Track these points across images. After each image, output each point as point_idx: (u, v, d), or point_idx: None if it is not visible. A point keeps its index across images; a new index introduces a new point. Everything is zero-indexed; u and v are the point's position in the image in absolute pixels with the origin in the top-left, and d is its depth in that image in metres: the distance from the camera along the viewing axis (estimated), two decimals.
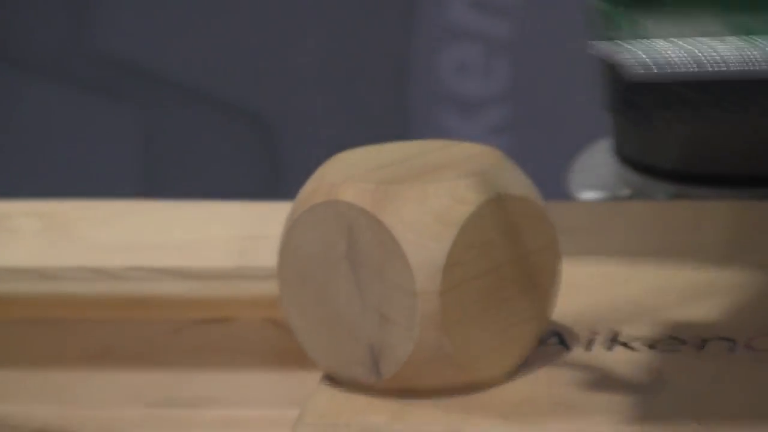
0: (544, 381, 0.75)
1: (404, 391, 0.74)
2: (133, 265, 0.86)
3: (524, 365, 0.75)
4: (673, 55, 0.68)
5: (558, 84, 1.76)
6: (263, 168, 0.76)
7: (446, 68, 1.80)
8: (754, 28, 0.68)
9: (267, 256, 0.79)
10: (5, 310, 0.88)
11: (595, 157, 0.98)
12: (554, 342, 0.77)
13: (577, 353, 0.77)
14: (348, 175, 0.74)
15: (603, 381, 0.76)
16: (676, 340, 0.77)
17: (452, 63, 1.81)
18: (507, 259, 0.74)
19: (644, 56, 0.68)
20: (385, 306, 0.73)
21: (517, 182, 0.75)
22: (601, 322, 0.78)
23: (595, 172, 0.97)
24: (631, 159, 0.96)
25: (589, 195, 0.95)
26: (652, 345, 0.77)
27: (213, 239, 0.88)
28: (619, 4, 0.69)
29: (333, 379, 0.75)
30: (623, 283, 0.81)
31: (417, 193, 0.72)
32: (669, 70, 0.69)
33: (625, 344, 0.77)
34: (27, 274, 0.86)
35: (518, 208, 0.74)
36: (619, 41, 0.69)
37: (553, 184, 0.92)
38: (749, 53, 0.68)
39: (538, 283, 0.75)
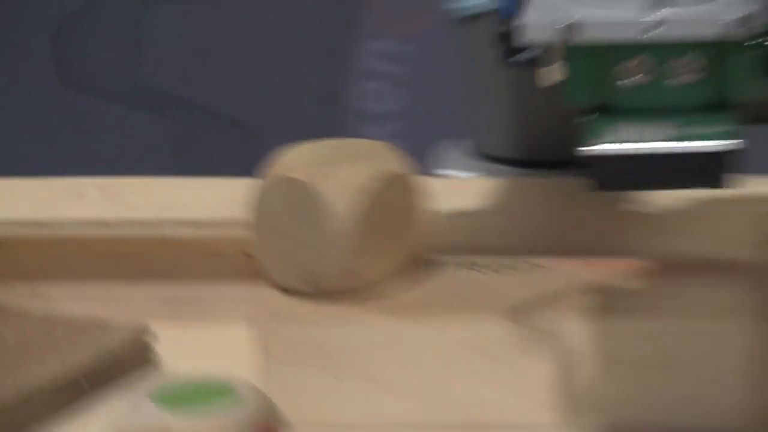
0: (420, 286, 0.92)
1: (328, 294, 0.91)
2: (161, 218, 1.00)
3: (410, 280, 0.92)
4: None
5: (433, 105, 1.94)
6: (247, 156, 0.90)
7: (363, 96, 1.97)
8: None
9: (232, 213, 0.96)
10: (78, 248, 1.01)
11: (451, 150, 1.08)
12: (429, 264, 0.93)
13: (448, 271, 0.94)
14: (297, 160, 0.92)
15: (457, 288, 0.92)
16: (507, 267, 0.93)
17: (368, 92, 1.97)
18: (393, 210, 0.92)
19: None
20: (317, 242, 0.91)
21: (402, 165, 0.93)
22: (462, 254, 0.95)
23: (451, 156, 1.08)
24: (478, 151, 1.07)
25: (452, 172, 1.06)
26: (495, 270, 0.93)
27: (213, 202, 1.02)
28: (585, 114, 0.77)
29: (284, 288, 0.93)
30: (476, 227, 0.97)
31: (340, 172, 0.91)
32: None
33: (473, 267, 0.94)
34: (93, 224, 1.01)
35: (402, 180, 0.93)
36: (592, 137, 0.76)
37: (426, 168, 1.05)
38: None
39: (411, 224, 0.93)
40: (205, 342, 0.97)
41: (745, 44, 0.74)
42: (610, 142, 0.76)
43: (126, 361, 0.95)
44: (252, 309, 0.94)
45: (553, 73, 0.77)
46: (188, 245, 1.02)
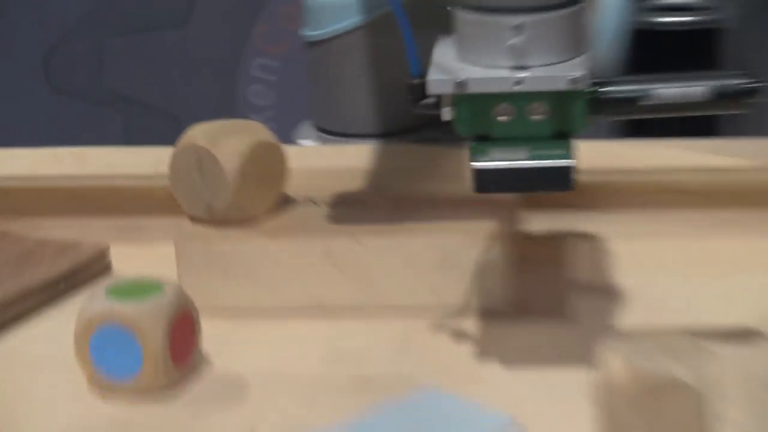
0: (283, 216, 0.91)
1: (221, 222, 0.90)
2: (114, 173, 1.01)
3: (276, 212, 0.91)
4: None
5: (293, 100, 1.92)
6: (173, 133, 0.88)
7: (249, 94, 1.98)
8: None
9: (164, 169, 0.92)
10: (59, 194, 1.00)
11: (305, 127, 1.07)
12: (289, 202, 0.92)
13: (301, 206, 0.92)
14: (200, 132, 0.91)
15: (306, 217, 0.90)
16: (338, 202, 0.91)
17: (252, 92, 1.98)
18: (266, 167, 0.91)
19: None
20: (213, 184, 0.89)
21: (272, 137, 0.92)
22: (311, 191, 0.93)
23: (304, 131, 1.07)
24: (318, 126, 1.06)
25: (305, 142, 1.06)
26: (326, 202, 0.92)
27: (148, 162, 1.01)
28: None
29: (192, 217, 0.91)
30: (316, 177, 0.96)
31: (227, 141, 0.90)
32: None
33: (316, 203, 0.92)
34: (69, 178, 1.01)
35: (270, 148, 0.92)
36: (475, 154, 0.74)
37: (287, 139, 1.02)
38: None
39: (278, 176, 0.92)
40: (144, 256, 0.98)
41: (579, 93, 0.74)
42: (487, 161, 0.75)
43: (91, 269, 0.96)
44: (173, 232, 0.92)
45: (448, 113, 0.76)
46: (132, 191, 1.01)
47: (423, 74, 0.76)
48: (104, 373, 0.81)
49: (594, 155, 0.96)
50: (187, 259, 0.90)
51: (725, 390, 0.67)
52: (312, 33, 1.04)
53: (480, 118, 0.75)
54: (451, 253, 0.88)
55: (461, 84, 0.74)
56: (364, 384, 0.81)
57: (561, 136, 0.75)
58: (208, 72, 2.02)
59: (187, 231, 0.91)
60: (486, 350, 0.84)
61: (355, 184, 0.95)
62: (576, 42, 0.75)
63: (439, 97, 0.76)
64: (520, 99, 0.74)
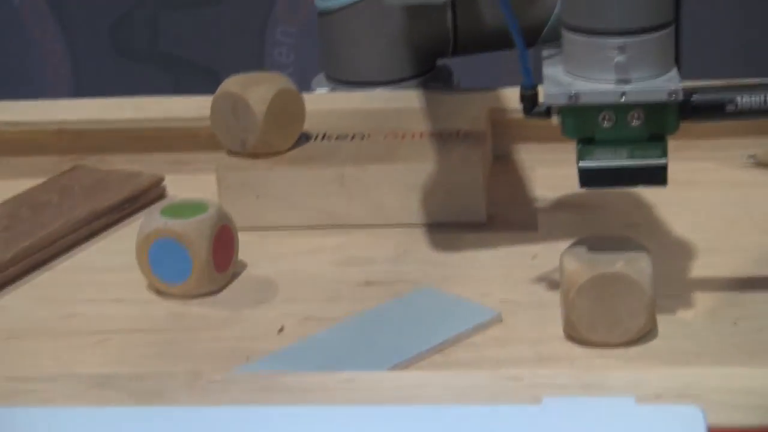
0: (302, 149, 0.89)
1: (253, 155, 0.88)
2: (167, 117, 0.98)
3: (296, 146, 0.89)
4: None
5: (309, 59, 1.98)
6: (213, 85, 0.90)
7: (274, 54, 2.02)
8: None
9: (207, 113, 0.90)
10: (123, 135, 0.97)
11: (320, 77, 1.03)
12: (307, 138, 0.90)
13: (317, 141, 0.90)
14: (234, 82, 0.89)
15: (321, 149, 0.89)
16: (347, 137, 0.90)
17: (276, 53, 2.02)
18: (287, 110, 0.88)
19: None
20: (245, 124, 0.87)
21: (290, 84, 0.90)
22: (325, 129, 0.91)
23: (319, 81, 1.03)
24: (330, 76, 1.01)
25: (319, 90, 1.02)
26: (338, 138, 0.90)
27: (194, 107, 0.98)
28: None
29: (229, 151, 0.89)
30: (330, 117, 0.93)
31: (256, 88, 0.88)
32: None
33: (329, 138, 0.91)
34: (130, 121, 0.97)
35: (291, 94, 0.89)
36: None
37: (306, 88, 1.00)
38: None
39: (298, 117, 0.90)
40: (191, 183, 0.95)
41: (673, 102, 0.69)
42: (592, 161, 0.70)
43: (150, 195, 0.94)
44: (215, 164, 0.90)
45: (556, 120, 0.71)
46: (181, 130, 0.98)
47: (534, 86, 0.72)
48: (160, 278, 0.79)
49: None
50: (226, 184, 0.88)
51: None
52: (323, 4, 1.01)
53: (585, 124, 0.70)
54: (437, 176, 0.85)
55: (574, 97, 0.69)
56: (370, 284, 0.80)
57: (656, 139, 0.71)
58: (242, 38, 2.04)
59: (226, 162, 0.89)
60: (469, 255, 0.82)
61: (361, 122, 0.93)
62: (669, 57, 0.71)
63: (549, 106, 0.71)
64: (621, 108, 0.70)
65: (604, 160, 0.70)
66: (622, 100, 0.69)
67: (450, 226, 0.85)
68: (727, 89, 0.71)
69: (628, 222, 0.85)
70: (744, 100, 0.70)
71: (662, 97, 0.69)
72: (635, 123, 0.70)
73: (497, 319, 0.73)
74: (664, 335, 0.71)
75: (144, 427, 0.56)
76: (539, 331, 0.72)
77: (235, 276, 0.81)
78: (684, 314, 0.73)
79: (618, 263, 0.70)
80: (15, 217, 0.88)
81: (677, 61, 0.71)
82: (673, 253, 0.80)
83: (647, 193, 0.88)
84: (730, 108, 0.71)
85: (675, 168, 0.90)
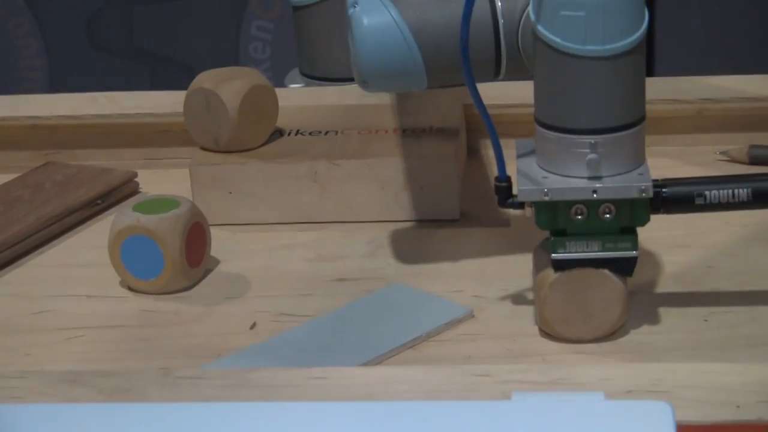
0: (274, 144, 0.88)
1: (226, 151, 0.87)
2: (140, 112, 0.97)
3: (269, 141, 0.89)
4: None
5: (284, 54, 1.98)
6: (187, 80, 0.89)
7: (249, 49, 2.02)
8: None
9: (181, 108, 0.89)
10: (96, 130, 0.97)
11: (294, 72, 1.03)
12: (279, 133, 0.90)
13: (290, 137, 0.90)
14: (207, 77, 0.89)
15: (293, 144, 0.88)
16: (320, 133, 0.90)
17: (251, 47, 2.03)
18: (261, 105, 0.88)
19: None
20: (218, 120, 0.87)
21: (266, 81, 0.89)
22: (298, 125, 0.91)
23: (293, 77, 1.03)
24: (303, 72, 1.01)
25: (293, 86, 1.01)
26: (311, 134, 0.89)
27: (167, 103, 0.97)
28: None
29: (203, 147, 0.88)
30: (301, 113, 0.93)
31: (229, 84, 0.87)
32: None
33: (302, 134, 0.90)
34: (103, 116, 0.97)
35: (265, 90, 0.88)
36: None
37: (280, 84, 1.01)
38: None
39: (271, 113, 0.89)
40: (165, 178, 0.95)
41: (643, 198, 0.69)
42: (565, 253, 0.70)
43: (122, 190, 0.93)
44: (187, 160, 0.90)
45: (530, 212, 0.71)
46: (154, 126, 0.98)
47: (508, 178, 0.72)
48: (132, 274, 0.79)
49: (521, 91, 0.94)
50: (199, 180, 0.87)
51: None
52: (297, 0, 1.01)
53: (558, 217, 0.71)
54: (411, 173, 0.85)
55: (547, 193, 0.70)
56: (343, 281, 0.79)
57: (627, 231, 0.71)
58: (217, 32, 2.04)
59: (199, 158, 0.89)
60: (442, 252, 0.82)
61: (334, 118, 0.93)
62: (639, 153, 0.71)
63: (523, 200, 0.71)
64: (593, 202, 0.70)
65: (576, 252, 0.71)
66: (594, 196, 0.70)
67: (423, 222, 0.85)
68: (697, 182, 0.72)
69: None
70: (713, 194, 0.71)
71: (633, 194, 0.69)
72: (607, 217, 0.70)
73: (469, 316, 0.73)
74: (635, 331, 0.71)
75: (114, 424, 0.55)
76: (511, 328, 0.72)
77: (207, 272, 0.81)
78: (654, 310, 0.73)
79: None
80: None
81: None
82: (644, 250, 0.80)
83: None
84: (699, 201, 0.71)
85: (649, 164, 0.92)
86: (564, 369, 0.61)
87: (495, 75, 0.75)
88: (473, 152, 0.96)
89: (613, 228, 0.70)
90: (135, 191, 0.94)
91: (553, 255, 0.71)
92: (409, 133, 0.89)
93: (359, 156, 0.86)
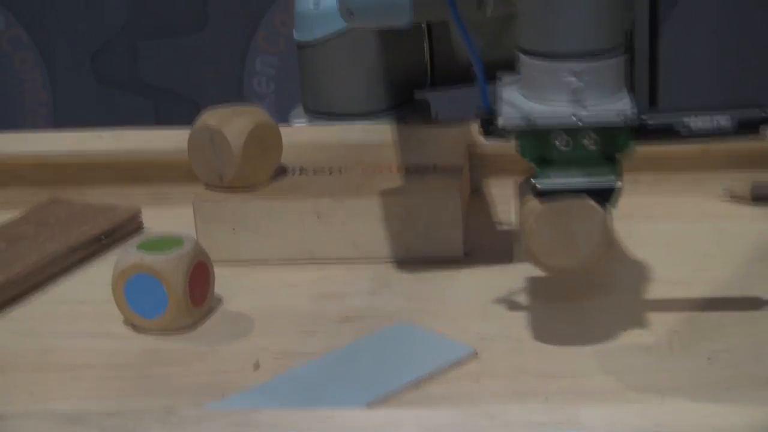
0: (279, 182, 0.88)
1: (230, 188, 0.87)
2: (144, 149, 0.97)
3: (273, 179, 0.88)
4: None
5: (288, 90, 1.99)
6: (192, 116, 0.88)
7: (253, 84, 2.02)
8: None
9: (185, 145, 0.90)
10: (100, 167, 0.97)
11: (298, 109, 1.03)
12: (283, 171, 0.90)
13: (294, 175, 0.89)
14: (212, 115, 0.89)
15: (299, 182, 0.88)
16: (324, 171, 0.90)
17: (255, 83, 2.03)
18: (265, 143, 0.88)
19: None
20: (222, 157, 0.87)
21: (270, 119, 0.89)
22: (302, 162, 0.92)
23: (297, 113, 1.03)
24: (308, 108, 1.01)
25: (297, 122, 1.01)
26: (315, 171, 0.90)
27: (171, 140, 0.97)
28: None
29: (207, 184, 0.89)
30: (305, 150, 0.93)
31: (234, 122, 0.88)
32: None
33: (306, 172, 0.90)
34: (107, 153, 0.97)
35: (269, 127, 0.89)
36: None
37: (284, 120, 1.00)
38: None
39: (275, 151, 0.89)
40: (170, 215, 0.94)
41: (626, 126, 0.70)
42: (549, 182, 0.71)
43: (126, 228, 0.93)
44: (192, 197, 0.89)
45: (514, 143, 0.72)
46: (158, 163, 0.98)
47: (492, 108, 0.72)
48: (136, 313, 0.79)
49: None
50: (203, 218, 0.87)
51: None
52: (301, 37, 1.01)
53: (541, 145, 0.71)
54: (415, 210, 0.85)
55: (530, 119, 0.70)
56: (347, 319, 0.79)
57: (610, 160, 0.72)
58: (221, 67, 2.05)
59: (203, 196, 0.89)
60: (446, 290, 0.82)
61: (338, 156, 0.93)
62: (622, 82, 0.72)
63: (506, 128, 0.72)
64: (576, 130, 0.71)
65: (559, 180, 0.71)
66: (578, 123, 0.70)
67: (427, 260, 0.85)
68: (679, 113, 0.72)
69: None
70: (695, 122, 0.71)
71: (616, 120, 0.70)
72: (590, 145, 0.71)
73: (472, 355, 0.73)
74: (638, 370, 0.71)
75: None
76: (514, 367, 0.72)
77: (211, 311, 0.81)
78: (658, 348, 0.73)
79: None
80: None
81: (632, 86, 0.72)
82: (648, 287, 0.80)
83: (622, 225, 0.88)
84: (683, 131, 0.72)
85: (650, 201, 0.92)
86: (568, 410, 0.60)
87: (478, 6, 0.76)
88: (477, 190, 0.96)
89: (596, 157, 0.71)
90: (139, 228, 0.94)
91: (537, 183, 0.71)
92: (413, 171, 0.89)
93: (363, 194, 0.86)
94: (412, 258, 0.85)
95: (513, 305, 0.79)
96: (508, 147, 0.91)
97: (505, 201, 0.94)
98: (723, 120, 0.71)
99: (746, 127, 0.71)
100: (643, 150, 0.91)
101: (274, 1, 2.05)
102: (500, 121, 0.71)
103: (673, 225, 0.89)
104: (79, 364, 0.75)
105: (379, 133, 0.96)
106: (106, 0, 2.11)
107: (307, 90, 1.02)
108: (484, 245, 0.87)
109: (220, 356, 0.76)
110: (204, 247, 0.81)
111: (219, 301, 0.82)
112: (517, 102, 0.72)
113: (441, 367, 0.72)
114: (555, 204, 0.71)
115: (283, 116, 1.01)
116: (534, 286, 0.81)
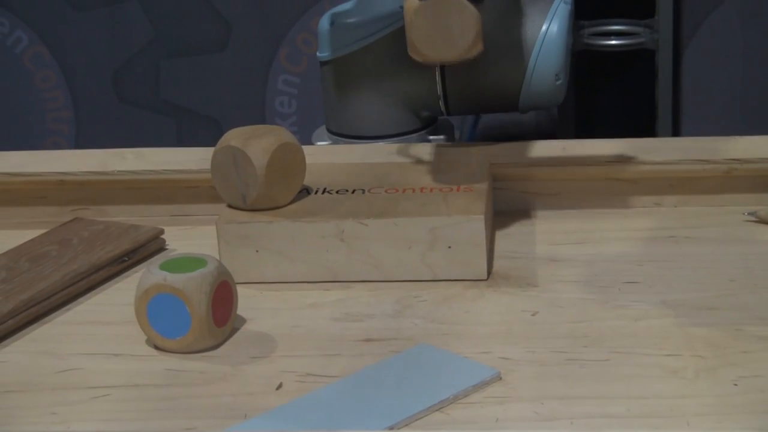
0: (302, 203, 0.88)
1: (253, 209, 0.87)
2: (167, 168, 0.97)
3: (297, 200, 0.88)
4: None
5: (311, 109, 2.00)
6: (216, 136, 0.88)
7: (275, 104, 2.03)
8: None
9: (208, 165, 0.90)
10: (122, 186, 0.97)
11: (321, 130, 1.04)
12: (307, 191, 0.89)
13: (318, 195, 0.89)
14: (235, 135, 0.88)
15: (322, 203, 0.88)
16: (347, 191, 0.90)
17: (278, 102, 2.04)
18: (288, 163, 0.88)
19: None
20: (246, 178, 0.87)
21: (293, 138, 0.89)
22: (326, 183, 0.92)
23: (320, 134, 1.04)
24: (331, 130, 1.02)
25: (320, 143, 1.02)
26: (338, 192, 0.90)
27: (194, 159, 0.97)
28: None
29: (230, 206, 0.89)
30: (328, 170, 0.93)
31: (257, 142, 0.87)
32: None
33: (329, 192, 0.90)
34: (130, 173, 0.97)
35: (292, 148, 0.88)
36: None
37: (307, 140, 1.02)
38: None
39: (299, 171, 0.89)
40: (192, 235, 0.95)
41: None
42: None
43: (149, 247, 0.93)
44: (215, 217, 0.90)
45: None
46: (181, 182, 0.98)
47: None
48: (159, 333, 0.79)
49: (548, 150, 0.95)
50: (226, 238, 0.87)
51: None
52: (323, 55, 1.01)
53: None
54: (438, 232, 0.85)
55: None
56: (370, 341, 0.79)
57: None
58: (243, 86, 2.05)
59: (226, 216, 0.88)
60: (470, 312, 0.82)
61: (362, 176, 0.93)
62: None
63: None
64: None
65: None
66: None
67: (451, 282, 0.85)
68: None
69: (628, 279, 0.85)
70: None
71: None
72: None
73: (496, 378, 0.73)
74: (663, 395, 0.70)
75: None
76: (539, 390, 0.72)
77: (233, 331, 0.81)
78: (684, 373, 0.73)
79: None
80: (14, 269, 0.88)
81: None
82: (674, 311, 0.79)
83: (648, 249, 0.88)
84: None
85: (676, 224, 0.92)
86: None
87: None
88: (500, 212, 0.96)
89: None
90: (162, 248, 0.94)
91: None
92: (437, 192, 0.89)
93: (386, 215, 0.86)
94: (436, 279, 0.85)
95: (537, 328, 0.79)
96: (531, 169, 0.92)
97: (528, 222, 0.94)
98: None
99: None
100: (667, 173, 0.92)
101: (296, 19, 2.06)
102: None
103: (697, 248, 0.89)
104: (101, 385, 0.75)
105: (402, 153, 0.96)
106: (128, 19, 2.12)
107: (329, 110, 1.02)
108: (508, 267, 0.87)
109: (242, 377, 0.75)
110: (227, 268, 0.80)
111: (242, 321, 0.82)
112: None
113: (465, 390, 0.71)
114: (431, 0, 0.79)
115: (306, 135, 1.01)
116: (558, 308, 0.80)
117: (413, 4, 0.78)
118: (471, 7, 0.78)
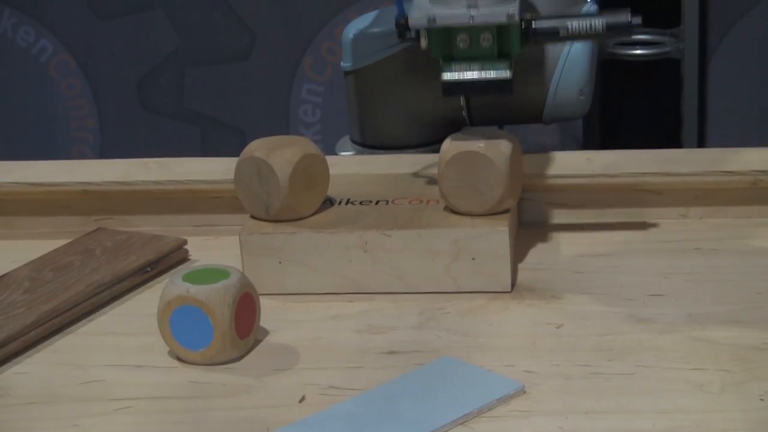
0: (326, 214, 0.88)
1: (276, 220, 0.87)
2: (190, 179, 0.97)
3: (321, 211, 0.88)
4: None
5: (335, 118, 2.00)
6: (239, 146, 0.89)
7: (299, 113, 2.03)
8: None
9: (232, 175, 0.89)
10: (146, 196, 0.97)
11: (345, 140, 1.05)
12: (330, 202, 0.90)
13: (341, 206, 0.90)
14: (258, 145, 0.88)
15: (345, 214, 0.88)
16: (370, 202, 0.90)
17: (302, 111, 2.04)
18: (312, 173, 0.88)
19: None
20: (269, 188, 0.87)
21: (317, 149, 0.89)
22: (349, 194, 0.91)
23: (343, 144, 1.05)
24: (354, 140, 1.04)
25: (344, 153, 1.04)
26: (362, 203, 0.89)
27: (217, 169, 0.97)
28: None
29: (253, 216, 0.88)
30: (352, 181, 0.93)
31: (281, 153, 0.87)
32: None
33: (353, 203, 0.90)
34: (153, 182, 0.97)
35: (316, 158, 0.88)
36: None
37: (330, 150, 1.03)
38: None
39: (322, 181, 0.89)
40: (215, 246, 0.95)
41: (516, 26, 0.82)
42: (452, 73, 0.84)
43: (172, 258, 0.93)
44: (238, 228, 0.89)
45: (424, 42, 0.83)
46: (205, 193, 0.98)
47: (405, 15, 0.84)
48: (181, 345, 0.79)
49: (572, 161, 0.95)
50: (249, 249, 0.87)
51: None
52: (347, 65, 1.01)
53: (445, 43, 0.84)
54: (462, 244, 0.85)
55: (432, 19, 0.82)
56: (393, 353, 0.78)
57: (503, 56, 0.84)
58: (267, 95, 2.05)
59: (249, 227, 0.88)
60: (494, 325, 0.81)
61: (386, 187, 0.93)
62: None
63: (418, 31, 0.83)
64: (473, 30, 0.83)
65: (460, 72, 0.84)
66: (471, 21, 0.82)
67: (475, 294, 0.85)
68: (563, 18, 0.84)
69: (653, 291, 0.84)
70: (574, 25, 0.84)
71: (503, 19, 0.82)
72: (486, 43, 0.83)
73: (521, 392, 0.72)
74: (689, 409, 0.70)
75: None
76: (563, 404, 0.71)
77: (256, 343, 0.80)
78: (711, 388, 0.72)
79: (479, 144, 0.83)
80: (38, 280, 0.88)
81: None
82: (700, 324, 0.79)
83: (673, 262, 0.87)
84: (563, 32, 0.84)
85: (701, 236, 0.92)
86: None
87: None
88: (525, 223, 0.95)
89: (492, 54, 0.84)
90: (185, 258, 0.94)
91: (443, 75, 0.84)
92: None
93: (410, 226, 0.85)
94: (460, 291, 0.85)
95: (561, 341, 0.78)
96: (556, 180, 0.92)
97: (553, 234, 0.93)
98: (597, 22, 0.83)
99: (615, 29, 0.84)
100: (693, 184, 0.91)
101: (320, 28, 2.06)
102: (410, 22, 0.83)
103: (723, 261, 0.88)
104: (123, 397, 0.75)
105: (426, 163, 0.96)
106: (153, 27, 2.12)
107: (353, 120, 1.02)
108: (532, 279, 0.87)
109: (265, 389, 0.75)
110: (250, 279, 0.80)
111: (265, 333, 0.82)
112: (424, 7, 0.84)
113: (489, 403, 0.71)
114: (462, 153, 0.83)
115: (329, 145, 1.01)
116: (582, 321, 0.80)
117: (445, 157, 0.83)
118: (498, 165, 0.82)
